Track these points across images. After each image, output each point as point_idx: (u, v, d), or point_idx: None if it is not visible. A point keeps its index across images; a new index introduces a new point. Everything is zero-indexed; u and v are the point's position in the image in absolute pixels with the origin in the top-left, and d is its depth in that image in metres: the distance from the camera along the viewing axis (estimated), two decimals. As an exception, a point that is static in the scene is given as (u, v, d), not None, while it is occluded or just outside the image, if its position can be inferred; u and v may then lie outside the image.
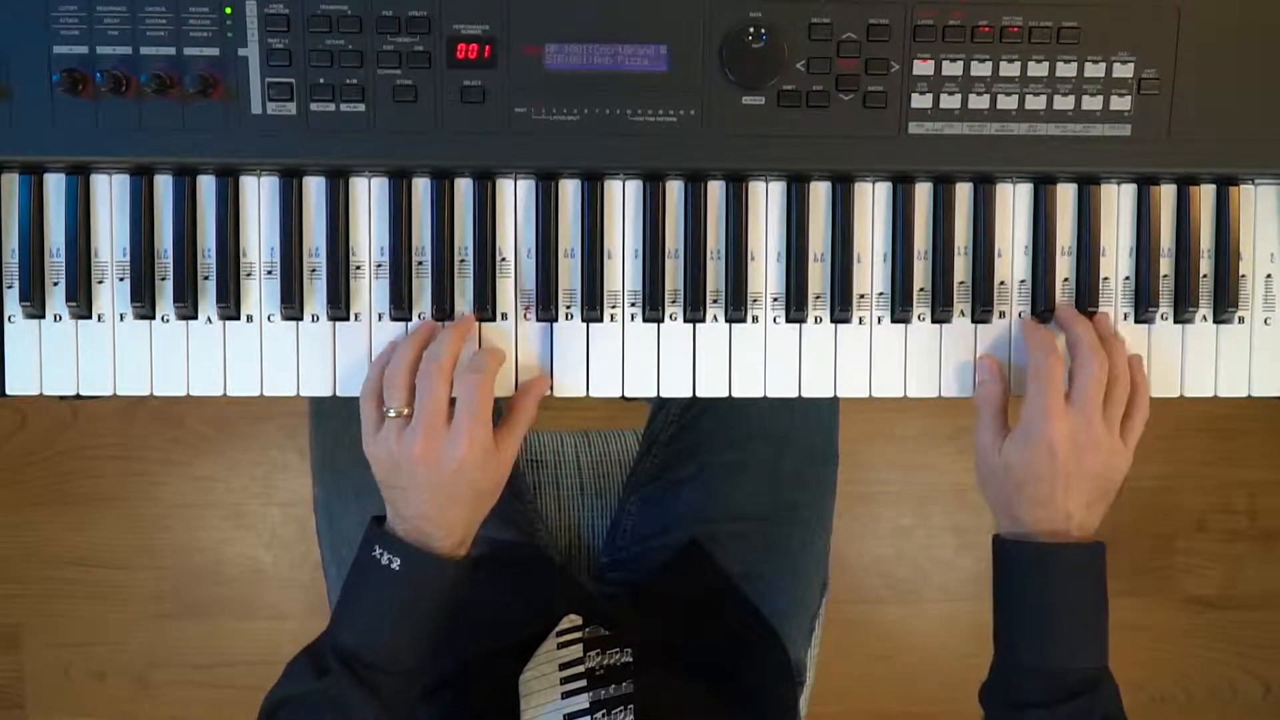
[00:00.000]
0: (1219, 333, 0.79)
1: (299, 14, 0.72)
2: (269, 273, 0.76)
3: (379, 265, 0.77)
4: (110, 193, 0.75)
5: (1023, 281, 0.78)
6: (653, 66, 0.73)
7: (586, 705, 0.83)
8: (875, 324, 0.78)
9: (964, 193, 0.78)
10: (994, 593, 0.76)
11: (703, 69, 0.73)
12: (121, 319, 0.76)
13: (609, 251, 0.77)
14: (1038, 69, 0.74)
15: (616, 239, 0.77)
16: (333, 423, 0.97)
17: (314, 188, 0.76)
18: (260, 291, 0.76)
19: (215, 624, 1.74)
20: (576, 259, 0.77)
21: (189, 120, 0.73)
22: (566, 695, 0.84)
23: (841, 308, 0.77)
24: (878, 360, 0.78)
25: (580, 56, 0.73)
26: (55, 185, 0.75)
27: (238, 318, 0.76)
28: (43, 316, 0.76)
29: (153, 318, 0.76)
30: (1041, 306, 0.78)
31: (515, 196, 0.77)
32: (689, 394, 0.78)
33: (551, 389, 0.77)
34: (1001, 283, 0.78)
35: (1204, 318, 0.79)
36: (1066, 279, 0.78)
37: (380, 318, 0.77)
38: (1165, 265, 0.79)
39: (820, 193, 0.77)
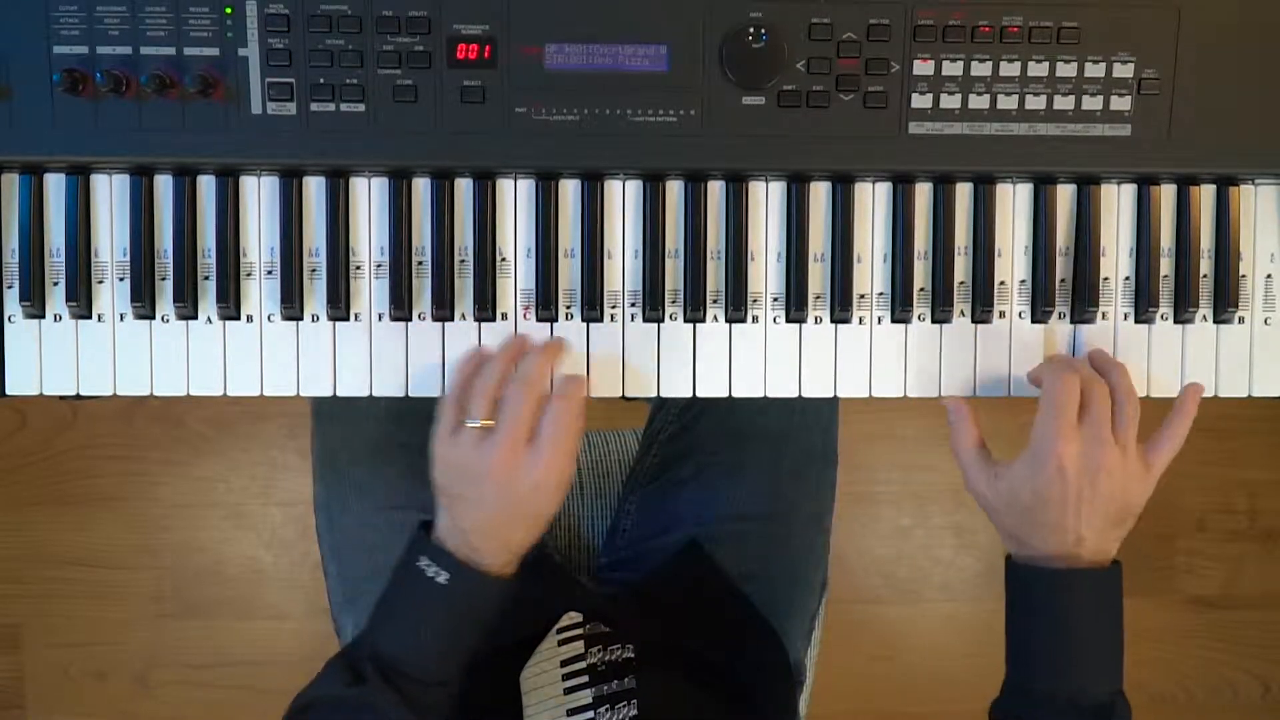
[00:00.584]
0: (1219, 333, 0.79)
1: (299, 14, 0.72)
2: (269, 273, 0.76)
3: (379, 265, 0.77)
4: (110, 193, 0.75)
5: (1023, 281, 0.78)
6: (653, 66, 0.73)
7: (589, 700, 0.83)
8: (875, 324, 0.78)
9: (964, 193, 0.78)
10: (1007, 614, 0.75)
11: (703, 69, 0.73)
12: (121, 319, 0.76)
13: (609, 251, 0.77)
14: (1038, 69, 0.74)
15: (616, 239, 0.77)
16: (334, 423, 0.97)
17: (314, 188, 0.76)
18: (260, 291, 0.76)
19: (215, 624, 1.74)
20: (576, 259, 0.77)
21: (189, 120, 0.73)
22: (569, 691, 0.84)
23: (841, 308, 0.77)
24: (878, 360, 0.78)
25: (580, 56, 0.73)
26: (55, 185, 0.75)
27: (238, 318, 0.76)
28: (43, 316, 0.76)
29: (153, 318, 0.76)
30: (1041, 306, 0.78)
31: (515, 196, 0.77)
32: (689, 394, 0.78)
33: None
34: (1001, 283, 0.78)
35: (1204, 318, 0.79)
36: (1066, 279, 0.78)
37: (380, 318, 0.77)
38: (1165, 265, 0.79)
39: (820, 193, 0.77)
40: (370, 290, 0.77)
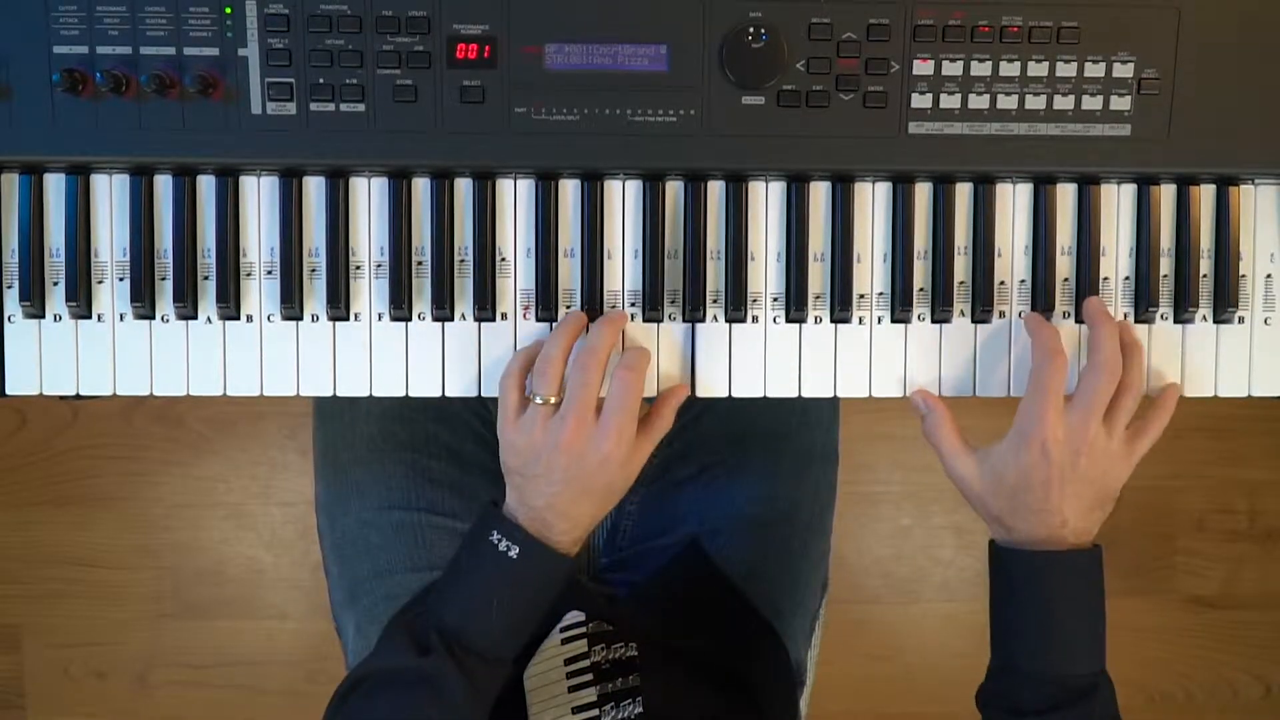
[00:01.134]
0: (1219, 333, 0.79)
1: (299, 14, 0.72)
2: (269, 273, 0.76)
3: (379, 265, 0.77)
4: (110, 193, 0.75)
5: (1023, 281, 0.78)
6: (653, 66, 0.73)
7: (594, 698, 0.83)
8: (875, 324, 0.78)
9: (964, 193, 0.78)
10: (990, 598, 0.76)
11: (703, 69, 0.73)
12: (121, 319, 0.76)
13: (609, 251, 0.77)
14: (1038, 69, 0.74)
15: (616, 239, 0.77)
16: (335, 422, 0.97)
17: (314, 188, 0.76)
18: (260, 291, 0.76)
19: (215, 624, 1.74)
20: (576, 259, 0.77)
21: (189, 120, 0.73)
22: (573, 690, 0.84)
23: (841, 308, 0.77)
24: (878, 360, 0.78)
25: (580, 56, 0.73)
26: (55, 185, 0.75)
27: (238, 318, 0.76)
28: (43, 316, 0.76)
29: (152, 318, 0.76)
30: (1042, 306, 0.77)
31: (515, 196, 0.77)
32: (689, 394, 0.78)
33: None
34: (1001, 283, 0.78)
35: (1204, 318, 0.79)
36: (1066, 279, 0.78)
37: (380, 318, 0.77)
38: (1165, 265, 0.79)
39: (820, 193, 0.77)
40: (370, 290, 0.77)
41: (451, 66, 0.73)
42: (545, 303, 0.76)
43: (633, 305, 0.77)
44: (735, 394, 0.78)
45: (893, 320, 0.78)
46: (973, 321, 0.78)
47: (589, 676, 0.84)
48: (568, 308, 0.77)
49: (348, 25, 0.72)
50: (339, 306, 0.76)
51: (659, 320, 0.77)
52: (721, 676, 0.91)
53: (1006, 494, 0.72)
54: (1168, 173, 0.77)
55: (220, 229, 0.75)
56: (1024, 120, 0.74)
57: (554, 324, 0.77)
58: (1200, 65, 0.74)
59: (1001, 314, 0.78)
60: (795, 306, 0.77)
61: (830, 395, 0.78)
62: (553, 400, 0.72)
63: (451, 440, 0.96)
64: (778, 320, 0.78)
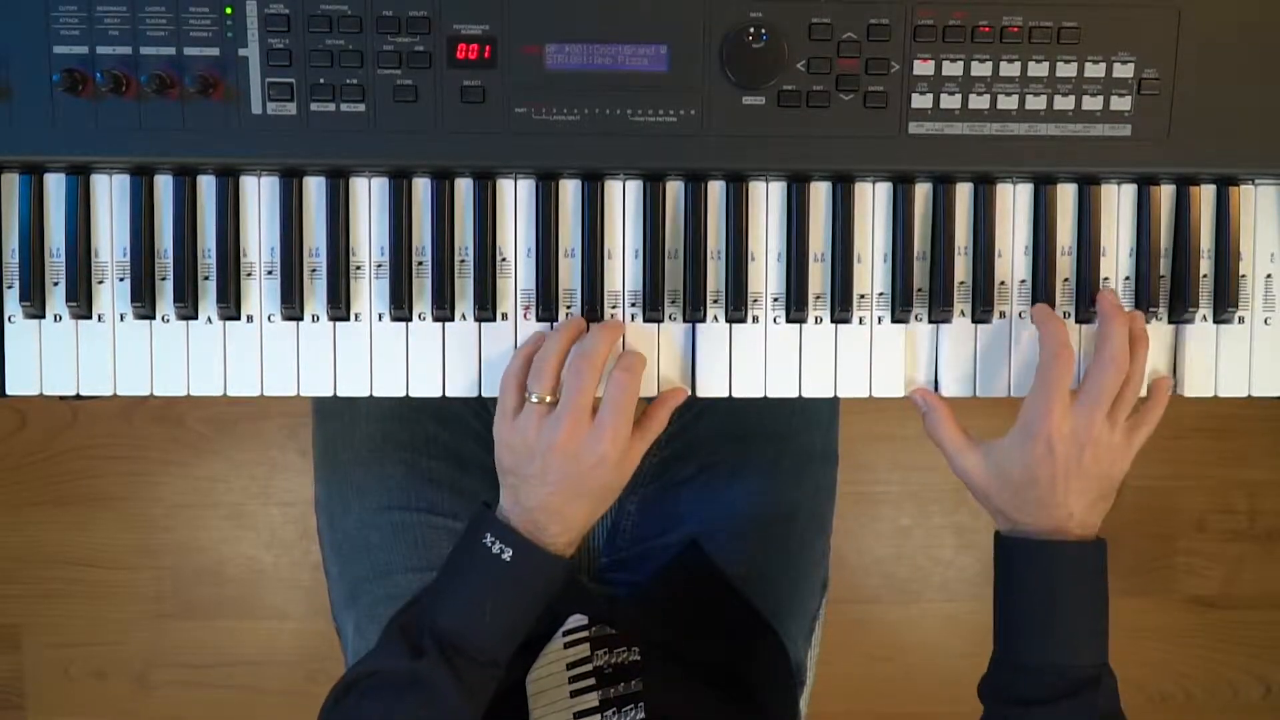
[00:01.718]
0: (1219, 333, 0.79)
1: (299, 14, 0.72)
2: (269, 273, 0.76)
3: (379, 265, 0.77)
4: (110, 193, 0.75)
5: (1023, 281, 0.78)
6: (653, 66, 0.73)
7: (596, 704, 0.83)
8: (875, 324, 0.78)
9: (964, 193, 0.78)
10: (995, 589, 0.76)
11: (703, 69, 0.73)
12: (121, 319, 0.76)
13: (609, 251, 0.77)
14: (1038, 69, 0.74)
15: (616, 239, 0.77)
16: (335, 422, 0.97)
17: (314, 188, 0.76)
18: (260, 291, 0.76)
19: (215, 624, 1.74)
20: (576, 259, 0.77)
21: (189, 120, 0.73)
22: (575, 694, 0.84)
23: (841, 308, 0.77)
24: (878, 360, 0.78)
25: (580, 56, 0.73)
26: (55, 185, 0.75)
27: (238, 318, 0.76)
28: (43, 316, 0.76)
29: (153, 318, 0.76)
30: (1041, 306, 0.78)
31: (515, 196, 0.77)
32: (688, 396, 0.78)
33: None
34: (1001, 283, 0.78)
35: (1204, 318, 0.79)
36: (1066, 279, 0.78)
37: (380, 318, 0.77)
38: (1165, 265, 0.79)
39: (820, 193, 0.77)
40: (370, 290, 0.77)
41: (451, 66, 0.73)
42: (546, 303, 0.76)
43: (633, 305, 0.77)
44: (735, 394, 0.78)
45: (893, 320, 0.78)
46: (973, 321, 0.78)
47: (591, 681, 0.84)
48: (568, 308, 0.77)
49: (348, 25, 0.72)
50: (339, 307, 0.76)
51: (659, 320, 0.77)
52: (722, 677, 0.91)
53: (1012, 489, 0.72)
54: (1168, 173, 0.77)
55: (220, 229, 0.75)
56: (1024, 120, 0.74)
57: (554, 324, 0.77)
58: (1200, 65, 0.74)
59: (1002, 314, 0.78)
60: (795, 307, 0.77)
61: (830, 395, 0.78)
62: (548, 400, 0.72)
63: (451, 441, 0.96)
64: (778, 320, 0.78)
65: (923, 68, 0.74)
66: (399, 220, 0.76)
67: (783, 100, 0.73)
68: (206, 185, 0.76)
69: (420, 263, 0.77)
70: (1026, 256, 0.78)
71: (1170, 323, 0.79)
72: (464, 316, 0.77)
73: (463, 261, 0.77)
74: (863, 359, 0.78)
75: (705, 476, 0.99)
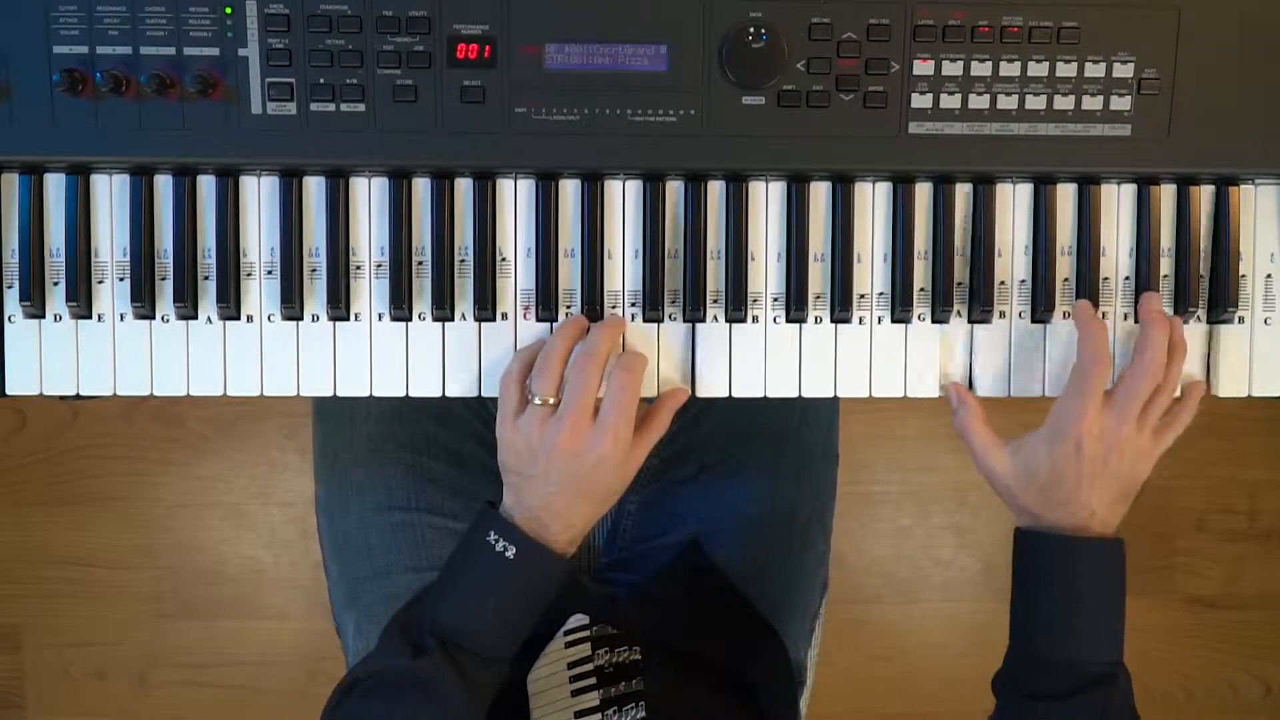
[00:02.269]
0: (1219, 333, 0.79)
1: (299, 14, 0.72)
2: (269, 273, 0.76)
3: (379, 265, 0.77)
4: (110, 193, 0.75)
5: (1023, 281, 0.78)
6: (653, 66, 0.73)
7: (597, 703, 0.83)
8: (875, 324, 0.78)
9: (964, 193, 0.78)
10: (1014, 584, 0.76)
11: (703, 69, 0.73)
12: (121, 319, 0.76)
13: (609, 251, 0.77)
14: (1038, 69, 0.74)
15: (616, 239, 0.77)
16: (335, 422, 0.97)
17: (314, 188, 0.76)
18: (260, 291, 0.76)
19: (215, 624, 1.74)
20: (576, 259, 0.77)
21: (189, 120, 0.73)
22: (576, 693, 0.84)
23: (841, 308, 0.77)
24: (878, 360, 0.78)
25: (580, 56, 0.73)
26: (55, 185, 0.75)
27: (238, 318, 0.76)
28: (43, 316, 0.76)
29: (153, 318, 0.76)
30: (1042, 306, 0.77)
31: (515, 196, 0.77)
32: (689, 396, 0.78)
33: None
34: (1001, 283, 0.78)
35: (1203, 318, 0.79)
36: (1066, 279, 0.78)
37: (380, 318, 0.77)
38: (1165, 265, 0.79)
39: (820, 193, 0.77)
40: (370, 290, 0.77)
41: (451, 66, 0.73)
42: (545, 303, 0.76)
43: (633, 305, 0.77)
44: (735, 394, 0.78)
45: (893, 320, 0.78)
46: (972, 322, 0.78)
47: (592, 680, 0.84)
48: (568, 308, 0.77)
49: (348, 25, 0.72)
50: (339, 306, 0.76)
51: (659, 320, 0.77)
52: (722, 677, 0.91)
53: (1038, 488, 0.73)
54: (1168, 173, 0.77)
55: (220, 229, 0.75)
56: (1024, 120, 0.74)
57: (554, 324, 0.77)
58: (1200, 65, 0.74)
59: (1001, 314, 0.78)
60: (795, 306, 0.77)
61: (830, 395, 0.78)
62: (551, 400, 0.72)
63: (451, 441, 0.96)
64: (778, 320, 0.78)
65: (922, 68, 0.74)
66: (399, 220, 0.76)
67: (783, 100, 0.73)
68: (206, 185, 0.76)
69: (420, 263, 0.77)
70: (1026, 256, 0.78)
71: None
72: (464, 316, 0.77)
73: (463, 261, 0.77)
74: (863, 359, 0.78)
75: (705, 476, 0.99)
